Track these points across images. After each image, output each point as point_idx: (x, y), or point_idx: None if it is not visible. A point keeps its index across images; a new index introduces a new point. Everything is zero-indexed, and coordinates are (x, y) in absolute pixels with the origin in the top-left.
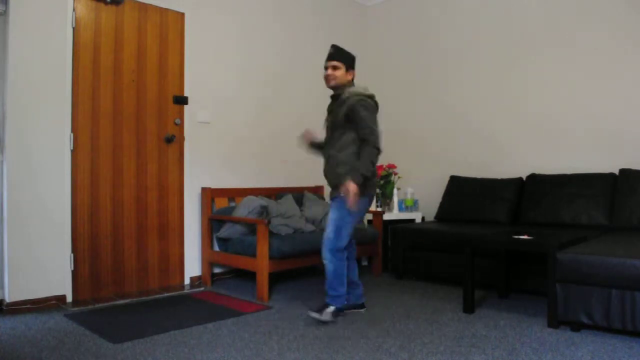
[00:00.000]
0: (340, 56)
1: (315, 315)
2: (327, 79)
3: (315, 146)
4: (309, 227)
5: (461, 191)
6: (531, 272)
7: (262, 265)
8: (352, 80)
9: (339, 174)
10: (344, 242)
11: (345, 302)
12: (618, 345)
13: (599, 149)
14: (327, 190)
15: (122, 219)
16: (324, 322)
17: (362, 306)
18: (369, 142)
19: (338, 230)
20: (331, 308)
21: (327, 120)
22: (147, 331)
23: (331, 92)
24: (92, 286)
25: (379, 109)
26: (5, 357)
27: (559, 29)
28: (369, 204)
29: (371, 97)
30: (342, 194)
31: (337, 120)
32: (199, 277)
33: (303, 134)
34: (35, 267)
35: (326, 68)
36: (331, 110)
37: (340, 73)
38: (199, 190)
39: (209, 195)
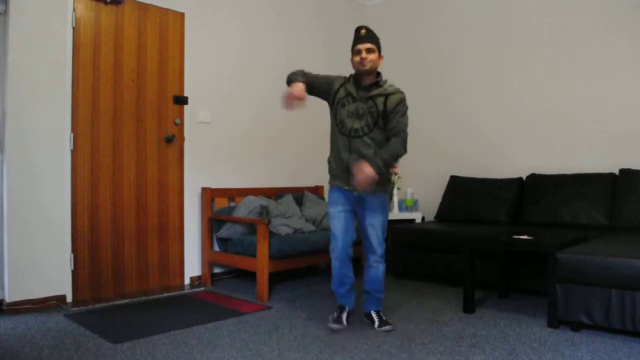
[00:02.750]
0: (374, 38)
1: (387, 328)
2: (362, 62)
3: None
4: (309, 227)
5: (461, 191)
6: (531, 272)
7: (262, 265)
8: None
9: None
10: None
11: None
12: (618, 345)
13: (599, 149)
14: (328, 189)
15: (122, 219)
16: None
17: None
18: (402, 143)
19: (384, 234)
20: (382, 315)
21: (349, 104)
22: (147, 331)
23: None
24: (92, 286)
25: None
26: (5, 357)
27: (559, 29)
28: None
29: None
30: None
31: (378, 112)
32: (199, 277)
33: (290, 95)
34: (35, 267)
35: (359, 51)
36: (360, 97)
37: (375, 57)
38: (199, 190)
39: (209, 195)
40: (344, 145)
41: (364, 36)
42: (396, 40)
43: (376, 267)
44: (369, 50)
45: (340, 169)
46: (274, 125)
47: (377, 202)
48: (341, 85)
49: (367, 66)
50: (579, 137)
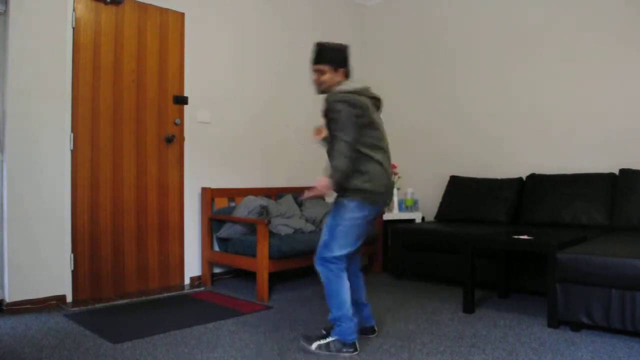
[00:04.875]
0: (324, 57)
1: (306, 346)
2: (314, 85)
3: None
4: (309, 227)
5: (461, 191)
6: (531, 272)
7: (262, 265)
8: (347, 76)
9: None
10: (335, 252)
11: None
12: (618, 345)
13: (599, 149)
14: (356, 202)
15: (122, 219)
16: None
17: (372, 330)
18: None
19: (330, 238)
20: (329, 339)
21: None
22: (147, 331)
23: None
24: (92, 286)
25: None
26: (5, 357)
27: (560, 29)
28: (370, 215)
29: (355, 92)
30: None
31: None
32: (199, 277)
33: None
34: (35, 267)
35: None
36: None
37: (328, 77)
38: (199, 190)
39: (209, 195)
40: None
41: (313, 58)
42: (396, 40)
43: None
44: (319, 72)
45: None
46: (274, 125)
47: (337, 205)
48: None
49: (319, 89)
50: (579, 137)
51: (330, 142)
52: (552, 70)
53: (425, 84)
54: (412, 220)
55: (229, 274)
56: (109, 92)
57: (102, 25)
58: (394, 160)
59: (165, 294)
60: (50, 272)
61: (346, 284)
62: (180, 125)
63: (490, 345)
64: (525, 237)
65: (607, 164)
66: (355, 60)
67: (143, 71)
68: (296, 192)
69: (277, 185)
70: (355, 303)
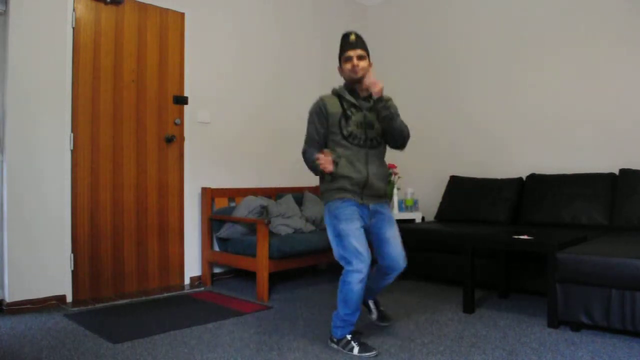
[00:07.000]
0: (364, 44)
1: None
2: (354, 69)
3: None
4: (309, 227)
5: (461, 191)
6: (531, 272)
7: (262, 265)
8: None
9: (383, 188)
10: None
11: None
12: (618, 345)
13: (599, 149)
14: (331, 204)
15: (122, 219)
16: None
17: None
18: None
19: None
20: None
21: (353, 114)
22: (147, 331)
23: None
24: (92, 286)
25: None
26: (5, 357)
27: (560, 29)
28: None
29: None
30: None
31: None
32: (199, 277)
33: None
34: (35, 267)
35: (349, 58)
36: (364, 106)
37: (366, 64)
38: (199, 190)
39: (209, 195)
40: (360, 158)
41: (354, 42)
42: (396, 41)
43: (390, 277)
44: (360, 57)
45: (356, 184)
46: (274, 125)
47: (390, 213)
48: (334, 102)
49: (360, 73)
50: (579, 137)
51: (380, 143)
52: (552, 70)
53: (425, 84)
54: (412, 220)
55: (229, 274)
56: (109, 92)
57: (102, 26)
58: (393, 160)
59: (165, 294)
60: (50, 272)
61: None
62: (180, 125)
63: (490, 345)
64: (525, 237)
65: (607, 164)
66: None
67: (143, 71)
68: (296, 192)
69: (277, 185)
70: None
